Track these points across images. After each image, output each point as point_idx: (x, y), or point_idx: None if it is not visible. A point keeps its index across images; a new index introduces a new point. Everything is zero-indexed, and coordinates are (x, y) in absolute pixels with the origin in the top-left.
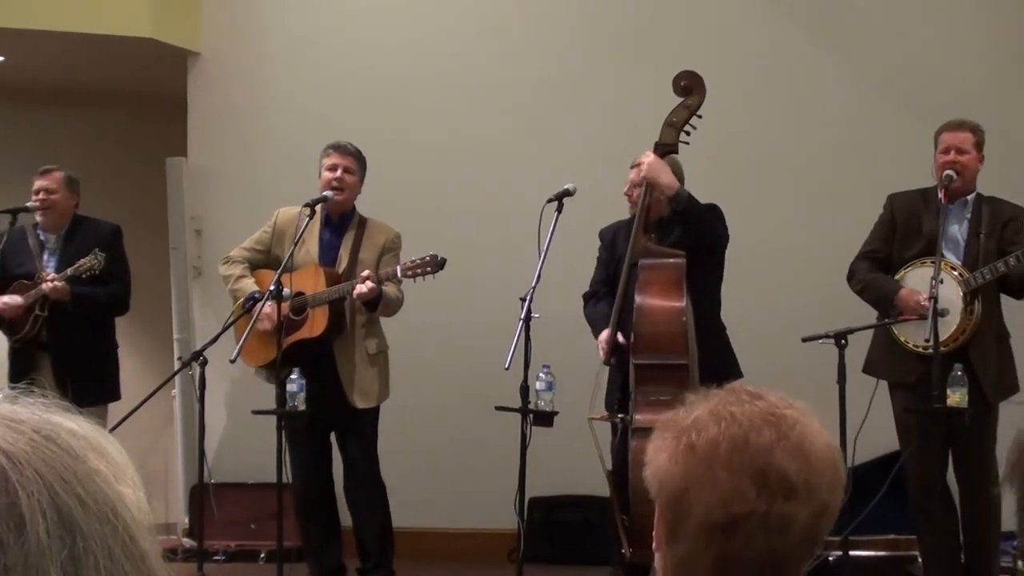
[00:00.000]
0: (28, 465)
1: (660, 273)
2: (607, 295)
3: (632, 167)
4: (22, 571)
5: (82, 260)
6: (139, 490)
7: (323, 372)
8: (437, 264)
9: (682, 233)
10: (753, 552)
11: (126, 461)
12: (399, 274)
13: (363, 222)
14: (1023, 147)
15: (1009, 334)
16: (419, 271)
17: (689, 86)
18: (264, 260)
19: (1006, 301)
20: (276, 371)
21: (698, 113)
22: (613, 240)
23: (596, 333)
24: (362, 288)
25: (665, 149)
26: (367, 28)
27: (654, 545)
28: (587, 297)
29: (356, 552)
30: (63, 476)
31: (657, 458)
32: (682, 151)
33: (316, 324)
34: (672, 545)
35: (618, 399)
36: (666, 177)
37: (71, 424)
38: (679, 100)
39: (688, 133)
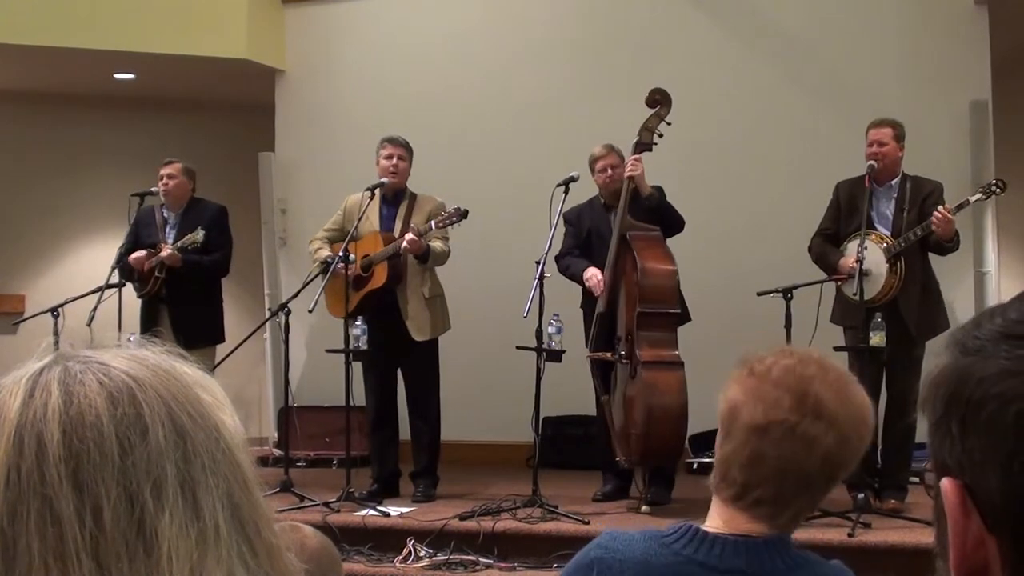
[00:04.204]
0: (150, 387)
1: (652, 242)
2: (578, 255)
3: (601, 168)
4: (146, 466)
5: (188, 235)
6: (235, 418)
7: (389, 315)
8: (461, 214)
9: (649, 217)
10: (779, 453)
11: (225, 397)
12: (433, 227)
13: (413, 196)
14: (927, 133)
15: (938, 284)
16: (449, 221)
17: (659, 99)
18: (339, 236)
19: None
20: (344, 321)
21: (667, 120)
22: (579, 218)
23: (579, 270)
24: (405, 243)
25: (643, 148)
26: (414, 51)
27: (715, 448)
28: (561, 256)
29: (411, 458)
30: (177, 397)
31: (728, 384)
32: (661, 146)
33: (378, 277)
34: (722, 447)
35: (604, 340)
36: (645, 184)
37: (184, 366)
38: (652, 110)
39: (660, 135)
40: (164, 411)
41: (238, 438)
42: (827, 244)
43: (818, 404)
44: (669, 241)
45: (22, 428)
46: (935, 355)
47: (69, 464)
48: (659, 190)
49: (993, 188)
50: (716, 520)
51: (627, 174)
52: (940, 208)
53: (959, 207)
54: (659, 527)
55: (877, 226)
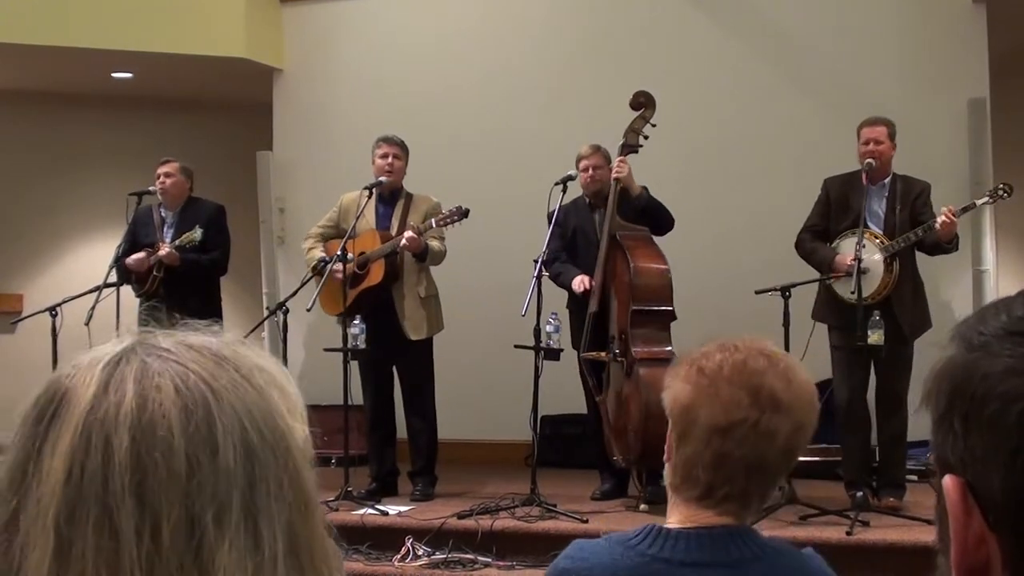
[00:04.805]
0: (226, 401)
1: (642, 242)
2: (566, 259)
3: (584, 168)
4: (211, 489)
5: (186, 234)
6: (305, 423)
7: (384, 313)
8: (462, 213)
9: (638, 218)
10: (743, 452)
11: (298, 397)
12: (434, 224)
13: (409, 196)
14: (925, 132)
15: (923, 283)
16: (449, 220)
17: (643, 102)
18: (334, 233)
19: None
20: (342, 319)
21: (652, 122)
22: (565, 217)
23: (568, 280)
24: (404, 240)
25: (629, 149)
26: (412, 50)
27: (665, 455)
28: (551, 261)
29: (408, 457)
30: (252, 413)
31: (673, 382)
32: (660, 145)
33: (375, 274)
34: (681, 448)
35: (598, 340)
36: (635, 185)
37: (261, 361)
38: (637, 112)
39: (646, 137)
40: (237, 430)
41: (306, 450)
42: (817, 240)
43: (773, 396)
44: (667, 239)
45: (91, 424)
46: (939, 348)
47: (135, 476)
48: (644, 190)
49: (1000, 192)
50: (678, 517)
51: (614, 176)
52: (945, 210)
53: (965, 210)
54: (627, 532)
55: (869, 224)
